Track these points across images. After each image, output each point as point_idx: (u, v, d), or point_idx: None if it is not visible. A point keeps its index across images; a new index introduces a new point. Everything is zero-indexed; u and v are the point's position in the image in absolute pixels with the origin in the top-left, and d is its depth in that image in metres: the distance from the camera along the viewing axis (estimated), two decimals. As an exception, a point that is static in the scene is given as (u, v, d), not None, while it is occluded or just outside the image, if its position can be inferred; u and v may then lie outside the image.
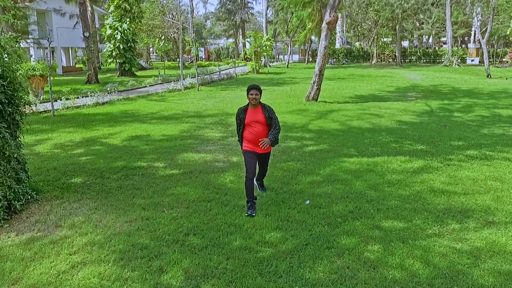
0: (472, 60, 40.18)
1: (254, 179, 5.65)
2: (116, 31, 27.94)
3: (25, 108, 5.93)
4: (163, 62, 39.23)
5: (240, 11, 57.08)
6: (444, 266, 4.00)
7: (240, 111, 5.41)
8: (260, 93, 5.30)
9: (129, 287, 3.73)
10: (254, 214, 5.16)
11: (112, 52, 28.47)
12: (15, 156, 5.39)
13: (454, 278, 3.81)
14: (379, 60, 47.50)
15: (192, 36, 37.01)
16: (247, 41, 39.09)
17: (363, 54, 48.33)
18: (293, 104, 15.38)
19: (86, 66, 29.60)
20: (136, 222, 5.05)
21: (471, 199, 5.70)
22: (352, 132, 10.28)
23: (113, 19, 28.32)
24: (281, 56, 57.52)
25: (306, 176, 6.76)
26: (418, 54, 46.13)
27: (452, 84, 22.86)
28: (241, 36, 59.92)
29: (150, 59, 47.95)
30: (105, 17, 30.97)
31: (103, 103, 15.93)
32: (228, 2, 57.50)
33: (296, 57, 52.39)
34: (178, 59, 37.03)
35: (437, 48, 54.54)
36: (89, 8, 29.15)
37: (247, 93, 5.31)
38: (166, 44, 38.01)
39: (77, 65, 39.38)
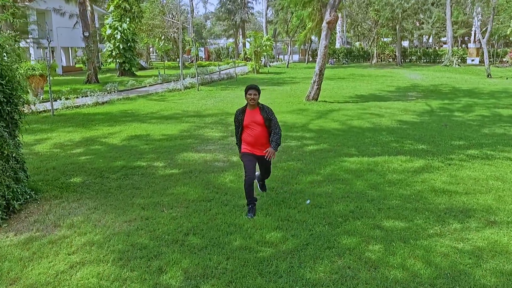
0: (472, 60, 40.16)
1: (256, 178, 5.61)
2: (116, 31, 27.91)
3: (23, 107, 5.90)
4: (163, 62, 39.21)
5: (240, 11, 57.07)
6: (446, 266, 3.97)
7: (238, 113, 5.24)
8: (259, 93, 5.12)
9: (128, 287, 3.69)
10: (254, 216, 5.12)
11: (112, 52, 28.43)
12: (13, 155, 5.36)
13: (456, 278, 3.77)
14: (379, 60, 47.48)
15: (192, 36, 36.99)
16: (247, 41, 39.05)
17: (363, 54, 48.30)
18: (293, 103, 15.35)
19: (86, 66, 29.56)
20: (136, 222, 5.02)
21: (472, 198, 5.67)
22: (353, 132, 10.25)
23: (113, 18, 28.28)
24: (281, 56, 57.47)
25: (306, 175, 6.73)
26: (418, 54, 46.11)
27: (453, 84, 22.83)
28: (241, 36, 59.90)
29: (150, 59, 47.92)
30: (105, 16, 30.95)
31: (103, 103, 15.90)
32: (228, 2, 57.48)
33: (296, 57, 52.35)
34: (178, 59, 36.99)
35: (437, 48, 54.53)
36: (89, 8, 29.11)
37: (245, 93, 5.12)
38: (166, 44, 37.96)
39: (77, 65, 39.36)
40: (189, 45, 42.76)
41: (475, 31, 41.09)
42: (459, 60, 38.50)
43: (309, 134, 10.05)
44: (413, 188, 6.11)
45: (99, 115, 13.17)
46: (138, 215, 5.22)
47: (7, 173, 5.21)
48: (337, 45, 50.09)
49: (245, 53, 45.52)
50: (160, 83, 22.95)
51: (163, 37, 38.87)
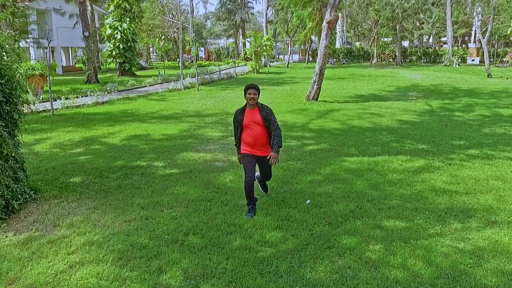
0: (472, 60, 40.14)
1: (257, 178, 5.56)
2: (116, 31, 27.89)
3: (23, 106, 5.88)
4: (163, 62, 39.19)
5: (240, 11, 57.06)
6: (447, 266, 3.95)
7: (237, 113, 5.15)
8: (259, 93, 5.04)
9: (127, 287, 3.68)
10: (254, 216, 5.10)
11: (112, 52, 28.42)
12: (13, 155, 5.35)
13: (456, 278, 3.76)
14: (379, 60, 47.46)
15: (192, 36, 36.97)
16: (247, 41, 39.03)
17: (363, 54, 48.28)
18: (294, 103, 15.34)
19: (86, 65, 29.55)
20: (135, 222, 5.01)
21: (473, 198, 5.66)
22: (353, 132, 10.24)
23: (113, 18, 28.27)
24: (281, 56, 57.45)
25: (306, 175, 6.72)
26: (419, 54, 46.09)
27: (453, 84, 22.81)
28: (241, 36, 59.89)
29: (150, 59, 47.89)
30: (105, 16, 30.94)
31: (103, 103, 15.88)
32: (228, 2, 57.46)
33: (296, 57, 52.32)
34: (178, 59, 36.98)
35: (437, 48, 54.51)
36: (89, 8, 29.10)
37: (245, 93, 5.05)
38: (166, 44, 37.96)
39: (77, 65, 39.35)
40: (189, 45, 42.76)
41: (475, 31, 41.07)
42: (459, 60, 38.48)
43: (309, 134, 10.03)
44: (414, 187, 6.09)
45: (99, 115, 13.15)
46: (137, 214, 5.21)
47: (6, 173, 5.20)
48: (337, 45, 50.07)
49: (245, 53, 45.52)
50: (160, 83, 22.93)
51: (163, 37, 38.86)
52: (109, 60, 29.82)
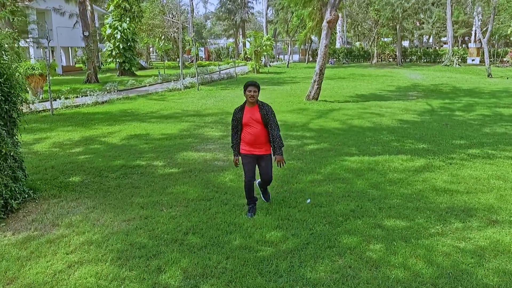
0: (472, 60, 40.11)
1: (258, 185, 5.42)
2: (116, 31, 27.86)
3: (22, 105, 5.86)
4: (163, 62, 39.16)
5: (240, 10, 57.06)
6: (448, 265, 3.92)
7: (236, 111, 5.02)
8: (259, 90, 4.93)
9: (126, 287, 3.65)
10: (254, 216, 5.06)
11: (112, 52, 28.39)
12: (11, 154, 5.32)
13: (458, 277, 3.73)
14: (380, 59, 47.43)
15: (192, 36, 36.95)
16: (247, 41, 39.01)
17: (364, 53, 48.27)
18: (294, 103, 15.31)
19: (85, 65, 29.52)
20: (134, 221, 4.98)
21: (474, 198, 5.63)
22: (353, 131, 10.21)
23: (113, 18, 28.24)
24: (281, 56, 57.43)
25: (306, 175, 6.69)
26: (419, 53, 46.07)
27: (453, 84, 22.78)
28: (241, 36, 59.88)
29: (150, 58, 47.87)
30: (105, 16, 30.91)
31: (103, 102, 15.86)
32: (228, 1, 57.46)
33: (296, 57, 52.30)
34: (178, 59, 36.95)
35: (437, 47, 54.47)
36: (89, 8, 29.08)
37: (245, 90, 4.94)
38: (166, 44, 37.91)
39: (77, 65, 39.34)
40: (189, 45, 42.69)
41: (475, 30, 41.01)
42: (459, 60, 38.46)
43: (310, 133, 10.01)
44: (414, 187, 6.06)
45: (99, 115, 13.13)
46: (137, 214, 5.18)
47: (5, 172, 5.17)
48: (337, 45, 50.06)
49: (245, 53, 45.50)
50: (160, 83, 22.90)
51: (163, 37, 38.81)
52: (109, 60, 29.80)
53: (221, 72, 28.31)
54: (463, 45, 50.79)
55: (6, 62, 5.42)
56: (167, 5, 46.59)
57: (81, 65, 38.32)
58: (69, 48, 37.59)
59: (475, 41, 42.37)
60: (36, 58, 24.70)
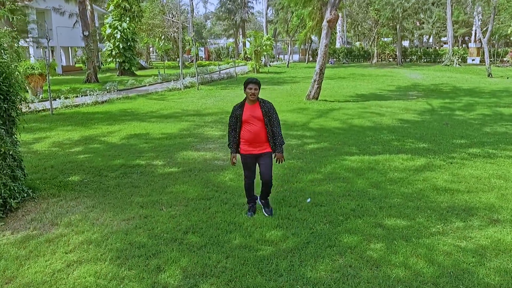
0: (473, 60, 40.07)
1: (259, 199, 5.24)
2: (116, 30, 27.84)
3: (21, 104, 5.83)
4: (163, 62, 39.13)
5: (240, 10, 57.06)
6: (449, 264, 3.90)
7: (236, 107, 4.87)
8: (259, 88, 4.83)
9: (125, 286, 3.63)
10: (254, 215, 5.04)
11: (111, 51, 28.37)
12: (10, 153, 5.30)
13: (459, 277, 3.71)
14: (380, 59, 47.40)
15: (192, 36, 36.93)
16: (247, 41, 38.98)
17: (364, 53, 48.23)
18: (294, 102, 15.29)
19: (85, 65, 29.51)
20: (134, 220, 4.96)
21: (475, 197, 5.61)
22: (353, 131, 10.19)
23: (112, 18, 28.22)
24: (281, 56, 57.42)
25: (307, 174, 6.67)
26: (419, 53, 46.04)
27: (453, 83, 22.76)
28: (241, 36, 59.87)
29: (150, 58, 47.86)
30: (105, 16, 30.88)
31: (103, 102, 15.84)
32: (228, 1, 57.45)
33: (296, 57, 52.28)
34: (178, 59, 36.93)
35: (437, 47, 54.46)
36: (89, 7, 29.05)
37: (245, 88, 4.80)
38: (166, 44, 37.89)
39: (77, 65, 39.32)
40: (189, 44, 42.69)
41: (475, 30, 40.98)
42: (459, 60, 38.42)
43: (310, 132, 9.99)
44: (415, 186, 6.04)
45: (99, 114, 13.11)
46: (136, 213, 5.16)
47: (4, 171, 5.15)
48: (337, 45, 50.03)
49: (245, 53, 45.47)
50: (160, 83, 22.88)
51: (163, 37, 38.79)
52: (109, 59, 29.78)
53: (221, 72, 28.29)
54: (463, 45, 50.77)
55: (5, 60, 5.40)
56: (167, 5, 46.59)
57: (81, 65, 38.31)
58: (69, 48, 37.57)
59: (475, 41, 42.34)
60: (36, 58, 24.68)
